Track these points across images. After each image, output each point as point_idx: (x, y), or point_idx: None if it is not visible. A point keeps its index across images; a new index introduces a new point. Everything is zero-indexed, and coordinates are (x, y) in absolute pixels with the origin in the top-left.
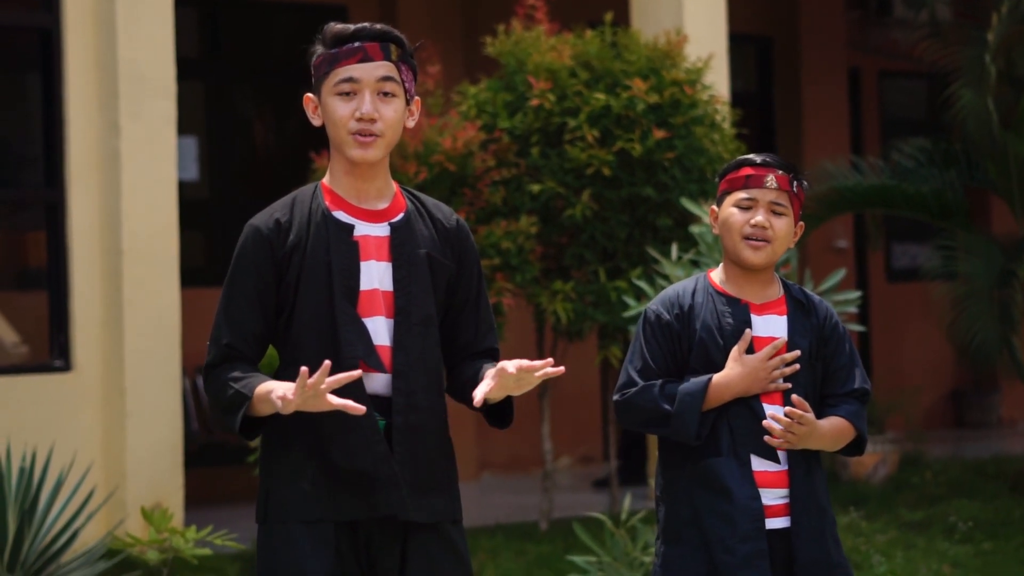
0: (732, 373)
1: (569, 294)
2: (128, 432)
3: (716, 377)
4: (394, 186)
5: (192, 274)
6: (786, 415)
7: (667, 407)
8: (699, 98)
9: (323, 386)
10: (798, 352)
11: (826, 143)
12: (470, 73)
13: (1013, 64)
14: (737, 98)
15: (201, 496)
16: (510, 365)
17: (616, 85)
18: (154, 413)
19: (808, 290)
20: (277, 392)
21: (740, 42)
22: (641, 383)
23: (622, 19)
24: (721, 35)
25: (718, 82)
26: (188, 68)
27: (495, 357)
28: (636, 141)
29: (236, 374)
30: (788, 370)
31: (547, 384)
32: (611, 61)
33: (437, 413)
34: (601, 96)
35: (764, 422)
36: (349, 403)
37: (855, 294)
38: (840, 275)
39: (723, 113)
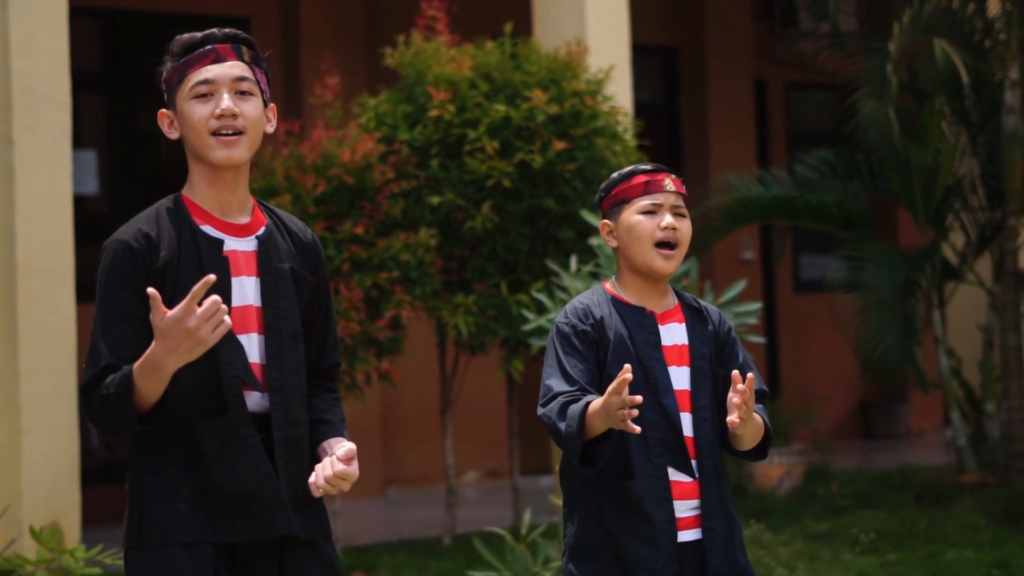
0: (599, 402)
1: (471, 307)
2: (23, 449)
3: (593, 403)
4: (252, 199)
5: (91, 289)
6: (738, 391)
7: (562, 426)
8: (600, 109)
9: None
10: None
11: (733, 155)
12: (372, 85)
13: (915, 75)
14: (643, 109)
15: (103, 515)
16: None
17: (516, 96)
18: (50, 430)
19: (700, 299)
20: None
21: (645, 53)
22: (557, 394)
23: (525, 29)
24: (623, 46)
25: (620, 93)
26: (87, 81)
27: (335, 374)
28: (536, 152)
29: (107, 382)
30: (633, 412)
31: (449, 399)
32: (511, 72)
33: (307, 427)
34: (501, 107)
35: (734, 399)
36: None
37: (755, 305)
38: (740, 286)
39: (625, 124)
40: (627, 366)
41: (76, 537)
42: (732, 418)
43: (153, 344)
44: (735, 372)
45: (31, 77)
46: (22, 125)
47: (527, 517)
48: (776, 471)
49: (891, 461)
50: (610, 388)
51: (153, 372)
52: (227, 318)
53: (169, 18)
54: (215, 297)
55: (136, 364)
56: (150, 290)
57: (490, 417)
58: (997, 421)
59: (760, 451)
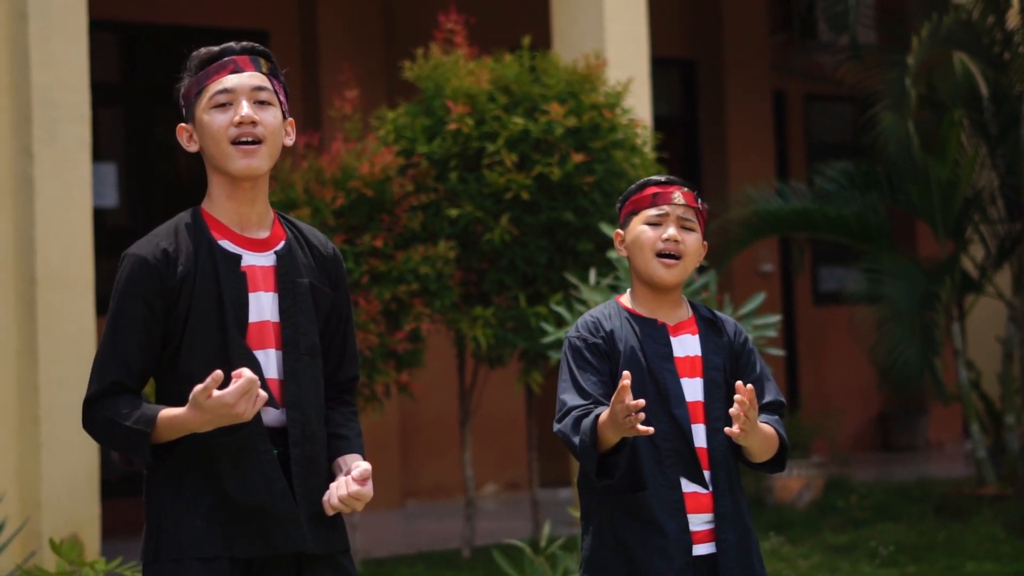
0: (607, 413)
1: (489, 320)
2: (43, 462)
3: (602, 415)
4: (272, 212)
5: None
6: (737, 402)
7: (576, 440)
8: (619, 122)
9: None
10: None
11: (751, 167)
12: (391, 98)
13: (933, 88)
14: (661, 122)
15: (122, 527)
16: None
17: (535, 109)
18: (69, 442)
19: (716, 311)
20: (226, 399)
21: (664, 66)
22: (571, 409)
23: (543, 42)
24: (643, 59)
25: (639, 106)
26: (107, 94)
27: (353, 387)
28: (555, 165)
29: (123, 410)
30: (640, 416)
31: (468, 411)
32: (529, 85)
33: (325, 443)
34: (519, 120)
35: (732, 410)
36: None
37: (774, 318)
38: (759, 299)
39: (644, 137)
40: (626, 372)
41: (96, 550)
42: (731, 429)
43: (188, 412)
44: (739, 383)
45: (50, 90)
46: (41, 138)
47: (546, 529)
48: (795, 483)
49: (910, 473)
50: (613, 398)
51: (181, 432)
52: (262, 391)
53: (188, 31)
54: (252, 376)
55: (163, 416)
56: (216, 372)
57: (509, 429)
58: (1017, 433)
59: (777, 463)
